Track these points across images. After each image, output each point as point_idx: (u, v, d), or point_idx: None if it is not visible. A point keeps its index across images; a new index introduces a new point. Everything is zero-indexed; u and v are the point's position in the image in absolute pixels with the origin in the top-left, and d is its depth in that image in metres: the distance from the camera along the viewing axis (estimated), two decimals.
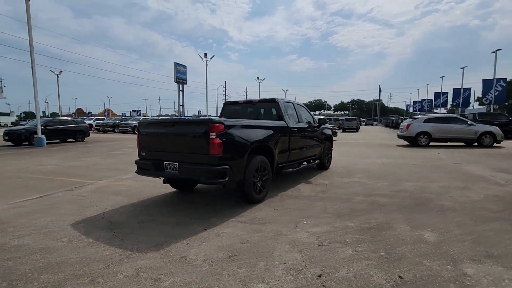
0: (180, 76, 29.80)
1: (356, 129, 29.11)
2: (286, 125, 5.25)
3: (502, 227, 3.30)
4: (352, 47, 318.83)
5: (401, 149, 11.98)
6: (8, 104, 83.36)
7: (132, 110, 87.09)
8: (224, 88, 66.79)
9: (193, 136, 3.85)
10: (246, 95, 75.59)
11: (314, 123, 6.67)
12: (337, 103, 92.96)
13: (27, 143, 15.39)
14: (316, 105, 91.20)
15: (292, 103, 5.99)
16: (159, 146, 4.27)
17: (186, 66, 30.37)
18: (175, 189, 5.30)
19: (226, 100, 5.92)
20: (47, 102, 79.17)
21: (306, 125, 6.19)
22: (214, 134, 3.61)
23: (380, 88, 66.63)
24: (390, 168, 7.34)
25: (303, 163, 6.16)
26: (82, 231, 3.38)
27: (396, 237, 3.08)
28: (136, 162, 4.44)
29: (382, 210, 4.00)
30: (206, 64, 32.74)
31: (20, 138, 15.40)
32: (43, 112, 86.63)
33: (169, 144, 4.16)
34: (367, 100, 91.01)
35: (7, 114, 63.76)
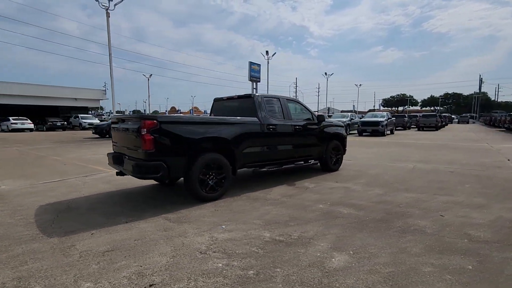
0: (254, 74, 30.66)
1: (435, 127, 24.76)
2: (260, 122, 4.92)
3: (457, 264, 2.39)
4: (452, 32, 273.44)
5: (464, 152, 9.70)
6: (119, 103, 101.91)
7: None
8: (295, 85, 66.16)
9: (132, 132, 4.00)
10: (318, 92, 73.22)
11: (313, 120, 6.04)
12: (426, 98, 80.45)
13: (108, 135, 18.45)
14: (399, 100, 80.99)
15: (278, 98, 5.55)
16: (119, 141, 4.58)
17: (260, 64, 31.14)
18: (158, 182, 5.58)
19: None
20: (145, 102, 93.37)
21: (298, 123, 5.65)
22: (145, 130, 3.67)
23: (481, 79, 55.00)
24: (413, 175, 6.09)
25: (297, 162, 5.69)
26: (39, 212, 3.91)
27: (297, 255, 2.58)
28: (107, 154, 4.87)
29: (326, 223, 3.38)
30: (268, 62, 33.01)
31: (102, 132, 18.56)
32: (144, 110, 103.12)
33: (123, 139, 4.43)
34: (466, 93, 76.28)
35: (121, 112, 78.04)
